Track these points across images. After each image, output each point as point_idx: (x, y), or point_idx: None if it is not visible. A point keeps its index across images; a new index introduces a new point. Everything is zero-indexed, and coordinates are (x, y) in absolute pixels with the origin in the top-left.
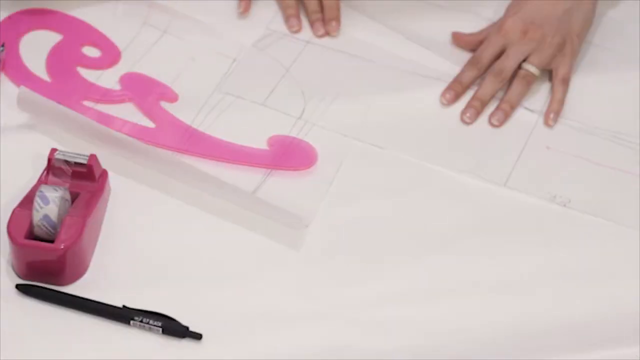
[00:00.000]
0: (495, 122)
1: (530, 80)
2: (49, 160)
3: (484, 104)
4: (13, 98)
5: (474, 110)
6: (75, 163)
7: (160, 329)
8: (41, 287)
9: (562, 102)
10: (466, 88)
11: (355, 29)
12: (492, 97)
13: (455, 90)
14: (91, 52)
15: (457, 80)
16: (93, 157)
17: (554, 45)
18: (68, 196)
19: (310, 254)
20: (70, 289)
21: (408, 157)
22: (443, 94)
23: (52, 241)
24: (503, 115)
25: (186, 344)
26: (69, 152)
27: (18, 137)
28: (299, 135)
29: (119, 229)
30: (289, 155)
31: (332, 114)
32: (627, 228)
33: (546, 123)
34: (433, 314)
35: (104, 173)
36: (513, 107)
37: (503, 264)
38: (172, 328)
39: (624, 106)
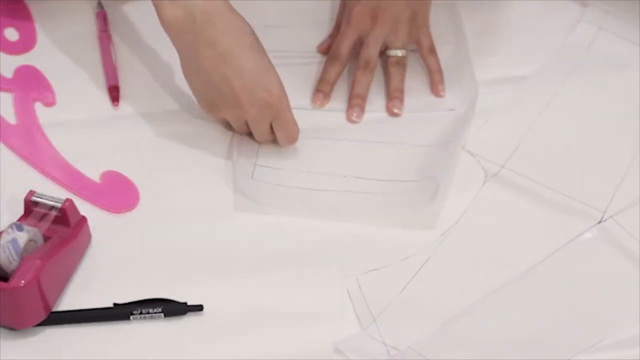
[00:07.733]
0: (397, 111)
1: (403, 62)
2: (25, 202)
3: (365, 99)
4: None
5: (358, 109)
6: (49, 207)
7: (162, 314)
8: None
9: (440, 71)
10: (333, 85)
11: None
12: (369, 89)
13: (323, 91)
14: (11, 34)
15: (322, 80)
16: (68, 201)
17: (406, 21)
18: (38, 238)
19: (309, 254)
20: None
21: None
22: (313, 99)
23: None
24: (400, 103)
25: (188, 342)
26: (45, 195)
27: None
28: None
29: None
30: (113, 193)
31: None
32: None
33: (437, 95)
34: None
35: (82, 220)
36: (402, 92)
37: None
38: (172, 309)
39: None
